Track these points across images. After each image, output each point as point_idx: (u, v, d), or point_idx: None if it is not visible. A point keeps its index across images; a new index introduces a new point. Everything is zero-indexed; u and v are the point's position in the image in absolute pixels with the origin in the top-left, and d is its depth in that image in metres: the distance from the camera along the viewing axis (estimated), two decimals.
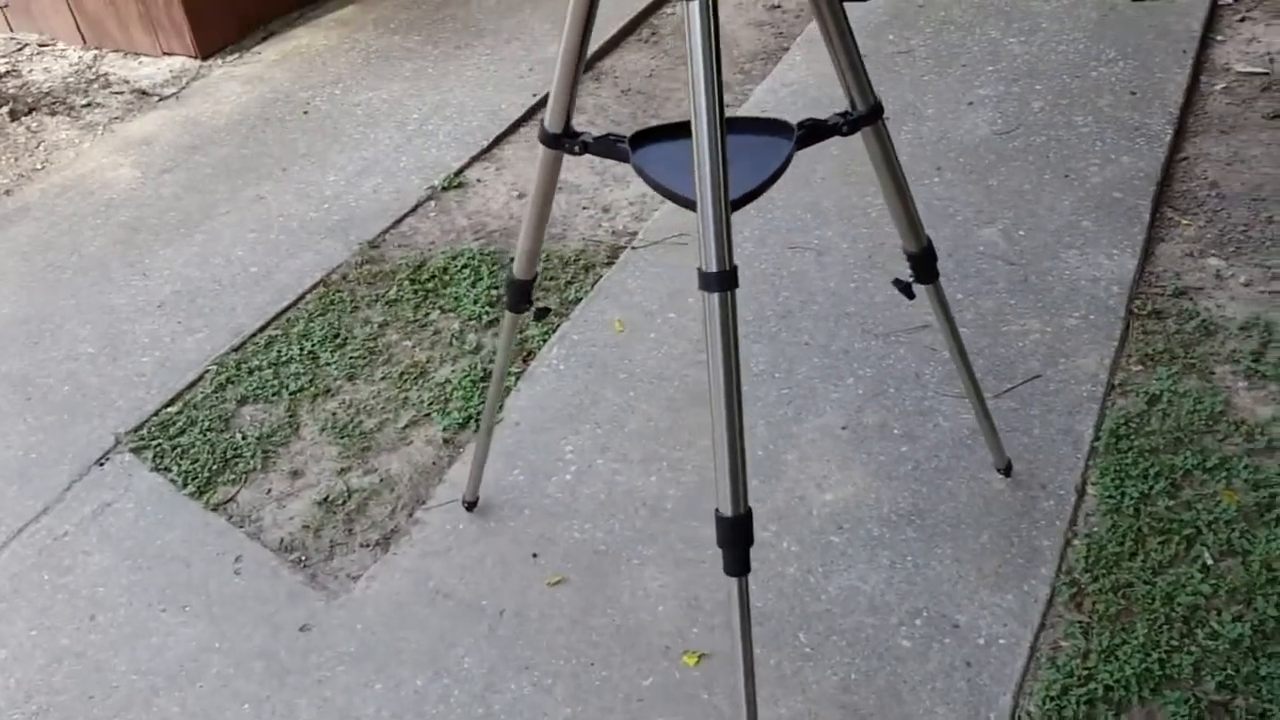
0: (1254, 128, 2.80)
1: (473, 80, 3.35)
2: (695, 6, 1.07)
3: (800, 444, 2.07)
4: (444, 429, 2.20)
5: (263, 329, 2.47)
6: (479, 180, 2.96)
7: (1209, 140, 2.78)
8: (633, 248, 2.63)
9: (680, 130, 1.37)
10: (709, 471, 2.03)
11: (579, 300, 2.49)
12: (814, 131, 1.35)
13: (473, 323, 2.47)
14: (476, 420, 2.21)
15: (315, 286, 2.59)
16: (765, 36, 3.52)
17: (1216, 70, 3.04)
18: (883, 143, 1.41)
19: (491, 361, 2.35)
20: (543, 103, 3.23)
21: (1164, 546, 1.81)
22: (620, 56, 3.50)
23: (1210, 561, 1.78)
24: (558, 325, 2.43)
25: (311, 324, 2.48)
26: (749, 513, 1.22)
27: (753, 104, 3.09)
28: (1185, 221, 2.52)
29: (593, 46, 3.44)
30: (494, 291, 2.54)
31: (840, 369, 2.21)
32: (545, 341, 2.39)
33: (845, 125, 1.36)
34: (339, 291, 2.58)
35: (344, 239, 2.74)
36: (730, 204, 1.19)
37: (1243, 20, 3.23)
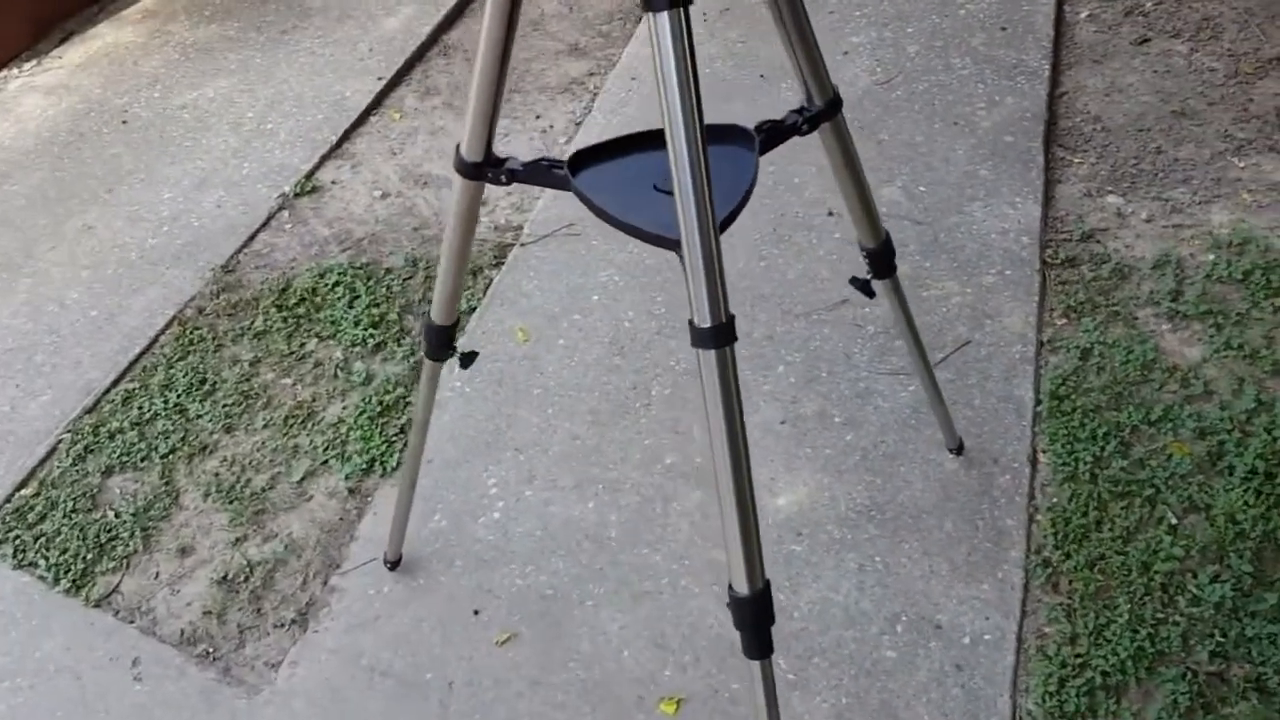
0: (1124, 54, 2.78)
1: (308, 68, 3.04)
2: (665, 20, 0.89)
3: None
4: (346, 478, 1.98)
5: (116, 383, 2.18)
6: (334, 182, 2.69)
7: (1084, 71, 2.75)
8: (521, 244, 2.42)
9: (624, 146, 1.19)
10: (649, 490, 1.89)
11: (473, 310, 2.29)
12: (773, 135, 1.20)
13: (357, 349, 2.23)
14: (382, 463, 2.00)
15: (169, 326, 2.30)
16: None
17: None
18: (842, 138, 1.26)
19: (388, 392, 2.13)
20: (393, 87, 2.99)
21: (1127, 511, 1.77)
22: (466, 27, 3.24)
23: (1175, 521, 1.75)
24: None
25: (172, 371, 2.20)
26: (768, 586, 1.08)
27: (622, 69, 2.90)
28: (1077, 160, 2.49)
29: (425, 25, 3.20)
30: (375, 310, 2.30)
31: (768, 357, 2.09)
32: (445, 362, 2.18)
33: (804, 123, 1.21)
34: (197, 329, 2.29)
35: (193, 266, 2.44)
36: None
37: None
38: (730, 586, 1.08)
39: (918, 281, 2.19)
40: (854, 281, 1.47)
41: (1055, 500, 1.81)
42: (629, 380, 2.09)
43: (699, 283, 0.97)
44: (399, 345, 2.23)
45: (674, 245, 1.05)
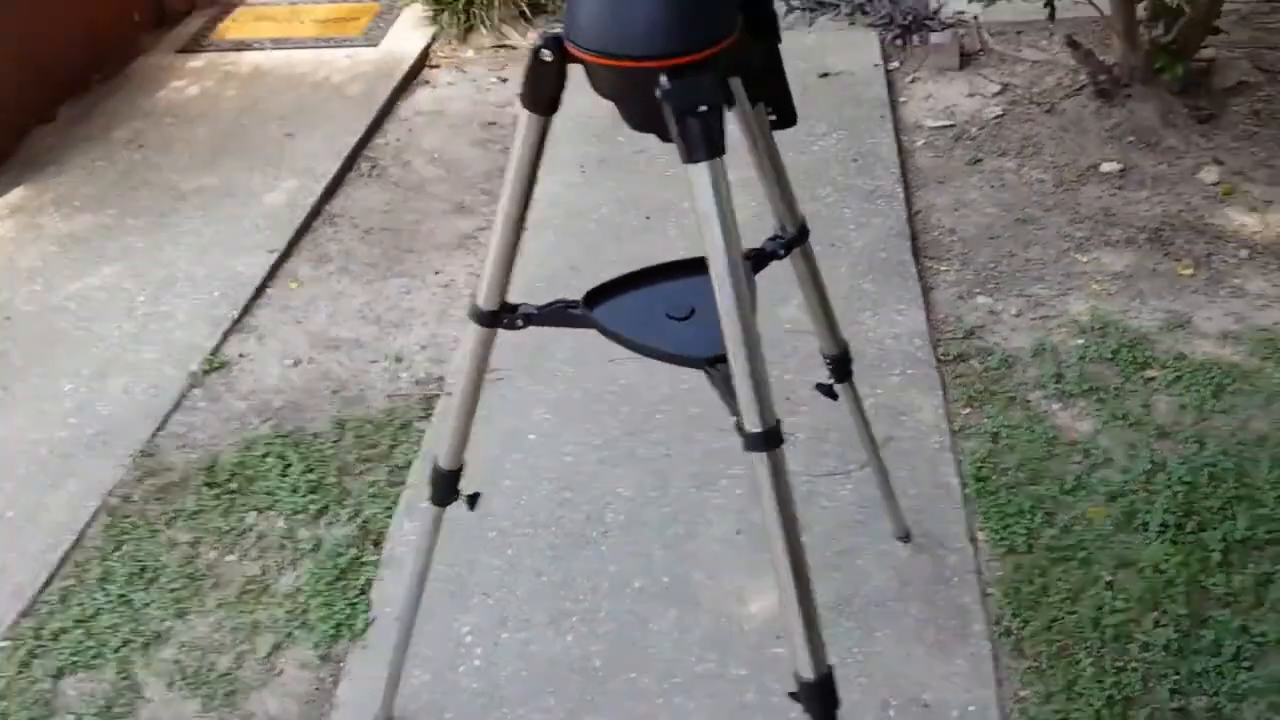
0: (962, 174, 3.12)
1: (195, 247, 3.05)
2: (704, 169, 1.02)
3: (703, 560, 2.03)
4: (314, 646, 1.95)
5: (49, 582, 2.08)
6: (242, 355, 2.68)
7: (931, 192, 3.06)
8: (446, 395, 2.48)
9: (631, 283, 1.30)
10: (624, 615, 1.94)
11: (409, 464, 2.31)
12: (759, 260, 1.34)
13: (300, 517, 2.21)
14: (349, 626, 1.97)
15: (96, 517, 2.22)
16: (493, 154, 3.47)
17: (911, 129, 3.36)
18: (809, 261, 1.42)
19: (341, 554, 2.11)
20: (285, 258, 3.03)
21: (1067, 575, 1.94)
22: (348, 195, 3.32)
23: (1110, 578, 1.92)
24: (398, 496, 2.24)
25: (109, 563, 2.12)
26: (831, 670, 1.16)
27: None
28: (944, 268, 2.75)
29: (315, 188, 3.27)
30: (311, 476, 2.30)
31: (711, 473, 2.20)
32: (391, 518, 2.19)
33: (781, 249, 1.36)
34: (127, 517, 2.22)
35: (109, 454, 2.38)
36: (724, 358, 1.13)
37: (914, 81, 3.60)
38: (796, 673, 1.16)
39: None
40: (819, 387, 1.60)
41: (1001, 573, 1.96)
42: (582, 512, 2.15)
43: (747, 392, 1.08)
44: (342, 508, 2.23)
45: (697, 363, 1.16)
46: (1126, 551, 1.96)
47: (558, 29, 1.07)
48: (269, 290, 2.92)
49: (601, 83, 1.04)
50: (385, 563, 2.09)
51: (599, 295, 1.30)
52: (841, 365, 1.59)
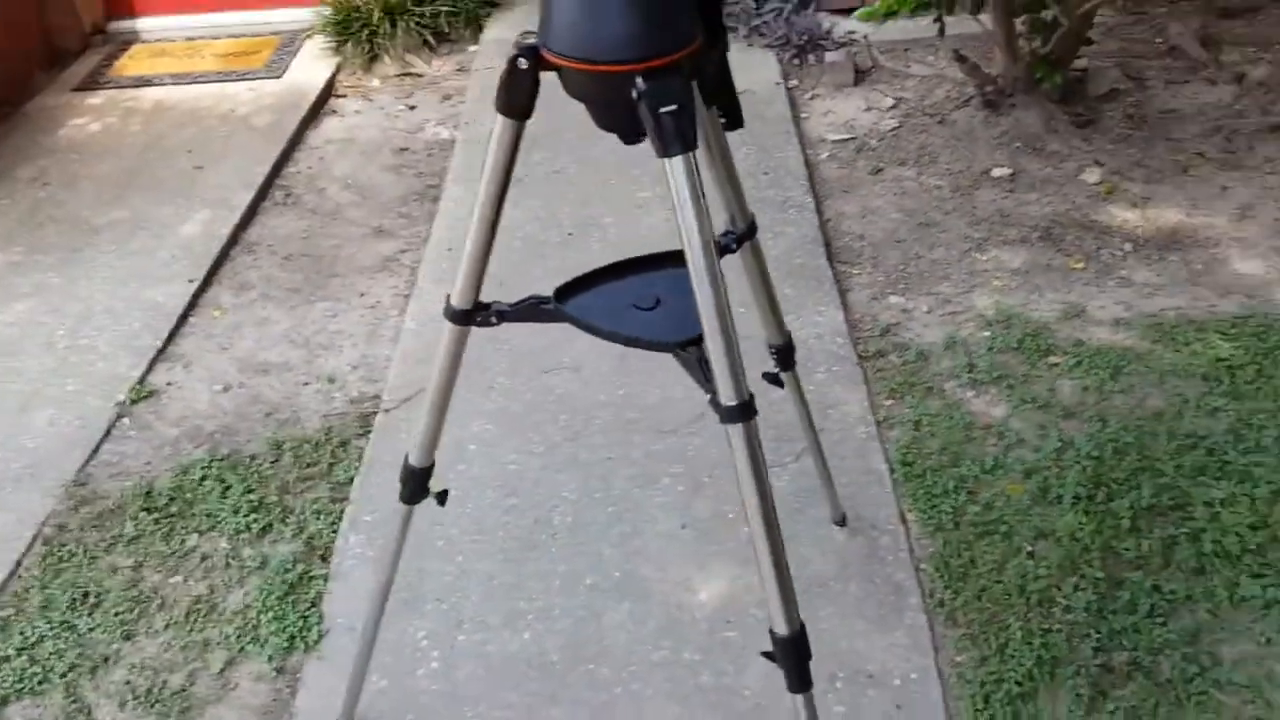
0: (866, 184, 3.27)
1: (111, 280, 3.01)
2: (679, 162, 1.10)
3: (651, 555, 2.10)
4: (269, 659, 1.95)
5: None
6: (169, 384, 2.66)
7: (839, 201, 3.20)
8: (384, 411, 2.50)
9: (594, 279, 1.37)
10: (579, 610, 1.99)
11: (351, 480, 2.33)
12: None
13: (243, 536, 2.21)
14: (303, 638, 1.98)
15: (31, 548, 2.19)
16: (407, 179, 3.51)
17: (815, 142, 3.51)
18: (758, 254, 1.51)
19: (289, 570, 2.12)
20: (205, 287, 3.01)
21: (991, 548, 2.06)
22: (263, 224, 3.31)
23: (1030, 548, 2.05)
24: (342, 511, 2.25)
25: (48, 590, 2.09)
26: (804, 627, 1.24)
27: (436, 242, 3.08)
28: (856, 271, 2.89)
29: (230, 217, 3.26)
30: (252, 496, 2.30)
31: (652, 473, 2.27)
32: (336, 533, 2.20)
33: (734, 243, 1.44)
34: (64, 546, 2.19)
35: (38, 486, 2.34)
36: (698, 339, 1.22)
37: (813, 98, 3.77)
38: (771, 631, 1.24)
39: (766, 388, 2.45)
40: (766, 376, 1.69)
41: (931, 550, 2.07)
42: (529, 517, 2.20)
43: (723, 369, 1.16)
44: (285, 525, 2.23)
45: (669, 348, 1.24)
46: (1044, 523, 2.10)
47: (532, 39, 1.14)
48: (191, 319, 2.90)
49: (576, 86, 1.11)
50: (334, 575, 2.11)
51: (568, 291, 1.36)
52: (786, 354, 1.68)
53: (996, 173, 3.24)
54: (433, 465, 1.53)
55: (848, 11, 4.17)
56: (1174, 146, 3.32)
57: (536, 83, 1.16)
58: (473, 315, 1.36)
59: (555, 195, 3.24)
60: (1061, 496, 2.14)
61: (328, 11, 4.17)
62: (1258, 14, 4.01)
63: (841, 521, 2.11)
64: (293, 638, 1.99)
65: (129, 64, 4.29)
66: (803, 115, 3.66)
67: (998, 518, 2.12)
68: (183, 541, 2.21)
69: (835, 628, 1.93)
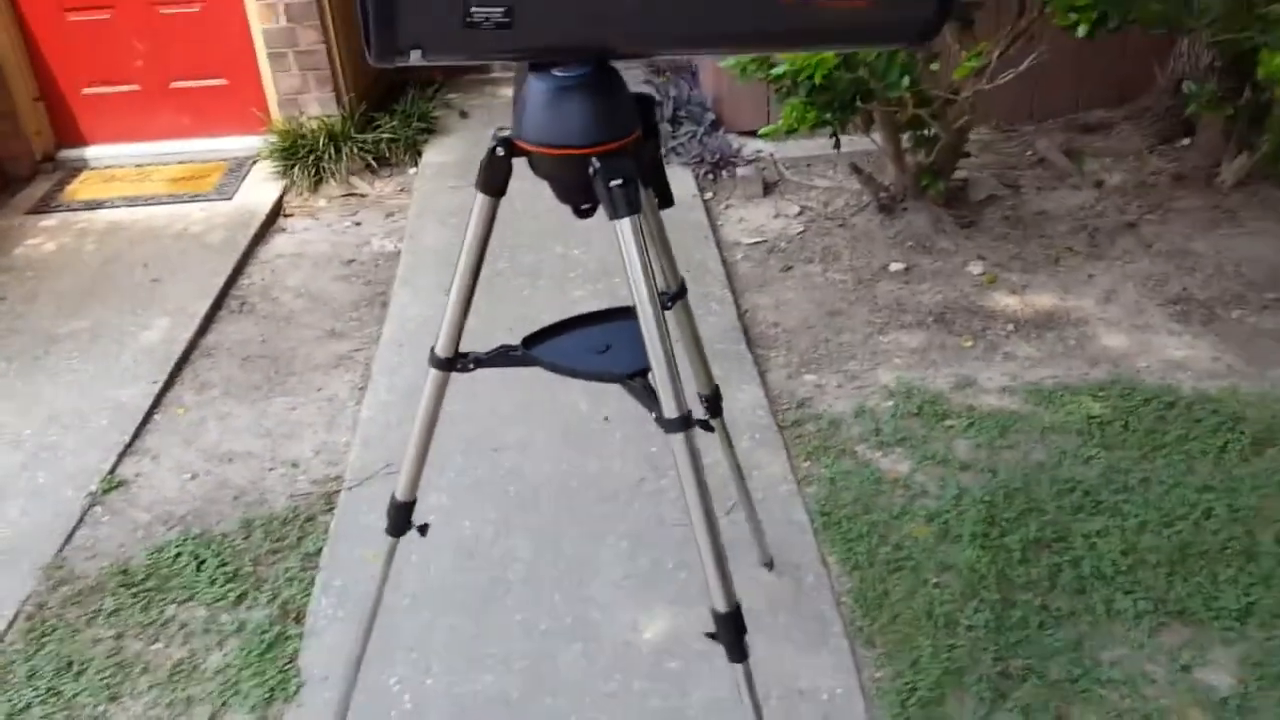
0: (778, 280, 3.62)
1: (76, 384, 3.18)
2: (627, 224, 1.38)
3: (599, 602, 2.31)
4: (251, 710, 2.11)
5: None
6: (138, 475, 2.83)
7: (754, 295, 3.54)
8: (347, 489, 2.70)
9: (556, 330, 1.64)
10: (536, 653, 2.19)
11: (319, 550, 2.51)
12: None
13: (220, 604, 2.37)
14: (283, 690, 2.15)
15: (13, 625, 2.32)
16: (356, 286, 3.77)
17: (731, 245, 3.87)
18: (688, 312, 1.80)
19: (266, 631, 2.29)
20: (168, 388, 3.20)
21: (901, 581, 2.33)
22: (221, 331, 3.53)
23: (935, 580, 2.32)
24: (313, 578, 2.43)
25: (33, 661, 2.22)
26: (739, 604, 1.48)
27: (389, 340, 3.32)
28: (774, 354, 3.20)
29: (189, 324, 3.47)
30: (226, 568, 2.47)
31: (599, 532, 2.50)
32: (309, 597, 2.38)
33: (668, 302, 1.73)
34: (45, 622, 2.33)
35: (17, 571, 2.48)
36: (644, 371, 1.49)
37: (728, 207, 4.15)
38: (712, 610, 1.48)
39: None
40: (698, 422, 1.96)
41: (850, 585, 2.33)
42: (486, 575, 2.41)
43: (666, 389, 1.42)
44: (260, 593, 2.40)
45: (620, 379, 1.51)
46: (946, 558, 2.37)
47: (506, 132, 1.43)
48: (156, 416, 3.08)
49: (544, 167, 1.39)
50: (308, 634, 2.28)
51: (533, 340, 1.63)
52: (714, 402, 1.96)
53: (893, 267, 3.62)
54: (415, 500, 1.75)
55: (753, 133, 4.60)
56: (1046, 242, 3.75)
57: (510, 166, 1.44)
58: (453, 362, 1.61)
59: (494, 295, 3.51)
60: (960, 535, 2.43)
61: (274, 139, 4.47)
62: (1112, 130, 4.55)
63: (770, 565, 2.36)
64: (272, 690, 2.15)
65: (80, 189, 4.51)
66: (719, 223, 4.03)
67: (906, 556, 2.39)
68: (161, 612, 2.37)
69: (769, 654, 2.16)
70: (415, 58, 1.17)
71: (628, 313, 1.65)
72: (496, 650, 2.21)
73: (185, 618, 2.35)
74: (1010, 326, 3.28)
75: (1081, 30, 3.12)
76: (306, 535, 2.57)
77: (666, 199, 1.61)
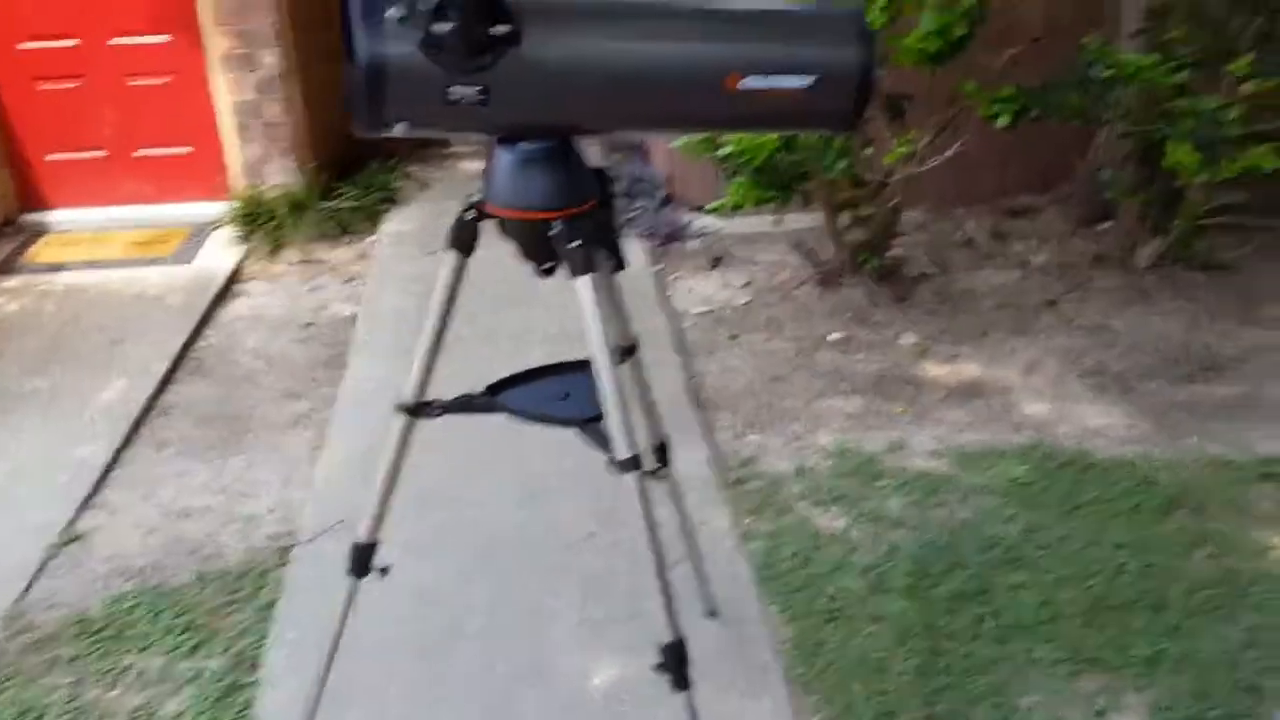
0: (725, 347, 3.79)
1: (35, 442, 3.23)
2: (584, 282, 1.53)
3: (554, 648, 2.41)
4: None
5: None
6: (97, 528, 2.88)
7: (702, 360, 3.70)
8: (301, 544, 2.78)
9: (520, 379, 1.78)
10: (494, 697, 2.28)
11: (274, 603, 2.58)
12: None
13: (176, 652, 2.43)
14: None
15: None
16: (315, 348, 3.87)
17: (680, 314, 4.04)
18: (639, 368, 1.94)
19: (221, 680, 2.35)
20: (127, 445, 3.27)
21: (837, 629, 2.46)
22: (178, 391, 3.60)
23: (870, 629, 2.45)
24: (267, 630, 2.50)
25: None
26: (683, 637, 1.61)
27: (346, 399, 3.42)
28: (720, 416, 3.35)
29: (147, 385, 3.54)
30: (183, 618, 2.53)
31: (552, 584, 2.60)
32: (262, 648, 2.44)
33: (621, 357, 1.87)
34: (5, 668, 2.37)
35: None
36: (598, 417, 1.63)
37: (677, 279, 4.33)
38: (659, 643, 1.60)
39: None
40: (649, 471, 2.09)
41: (789, 635, 2.45)
42: (444, 622, 2.49)
43: (619, 433, 1.56)
44: (215, 644, 2.46)
45: (577, 423, 1.64)
46: (878, 609, 2.51)
47: (477, 197, 1.57)
48: (114, 473, 3.14)
49: (511, 230, 1.54)
50: (263, 683, 2.34)
51: (496, 389, 1.76)
52: (663, 452, 2.09)
53: (832, 337, 3.80)
54: (377, 542, 1.85)
55: (702, 208, 4.81)
56: (973, 317, 3.97)
57: (478, 228, 1.59)
58: (420, 409, 1.73)
59: (454, 359, 3.63)
60: (892, 588, 2.57)
61: (236, 205, 4.59)
62: (1037, 214, 4.83)
63: (714, 614, 2.47)
64: None
65: (42, 252, 4.59)
66: (669, 293, 4.21)
67: (841, 607, 2.52)
68: (118, 660, 2.42)
69: (713, 699, 2.25)
70: (400, 130, 1.31)
71: (584, 365, 1.80)
72: (454, 695, 2.29)
73: (142, 666, 2.40)
74: (940, 394, 3.46)
75: (1003, 120, 3.38)
76: (261, 589, 2.64)
77: (620, 262, 1.76)
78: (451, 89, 1.28)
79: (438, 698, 2.28)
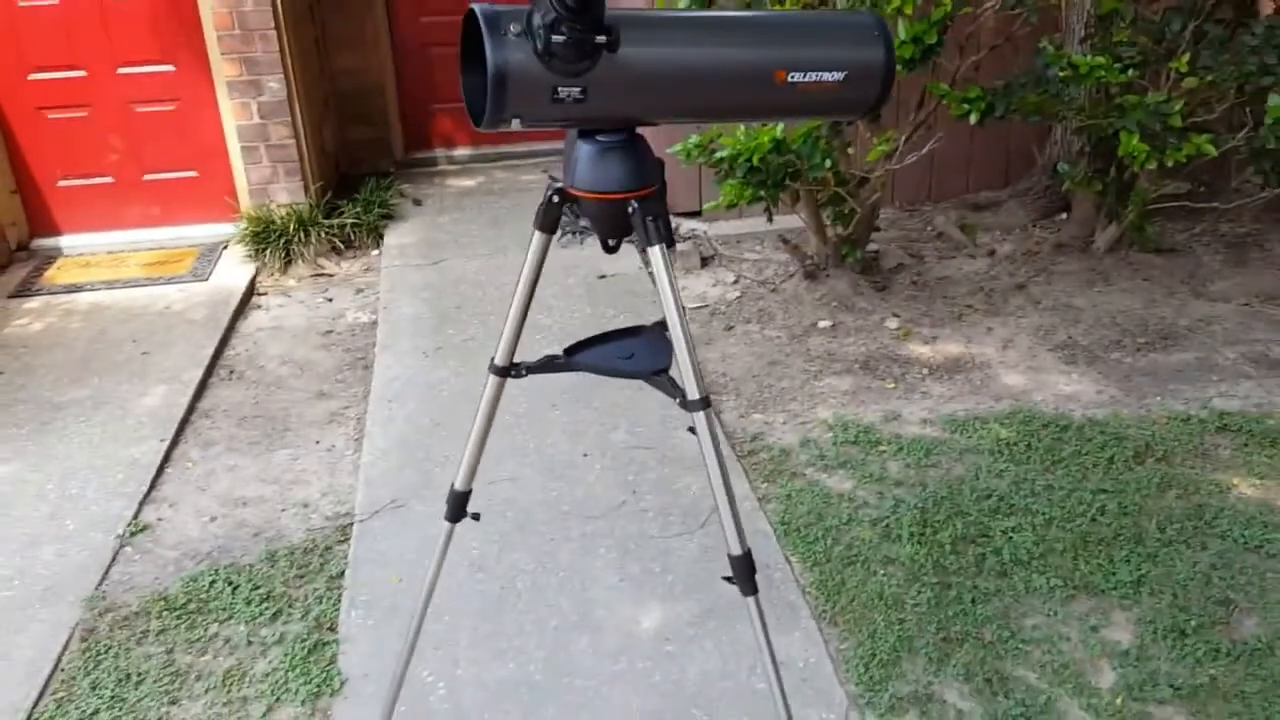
0: (722, 337, 4.08)
1: (87, 444, 3.44)
2: (657, 251, 1.80)
3: (600, 601, 2.66)
4: (303, 703, 2.40)
5: (40, 698, 2.40)
6: (160, 520, 3.10)
7: (702, 351, 3.98)
8: (360, 521, 3.02)
9: (589, 344, 2.04)
10: (551, 645, 2.53)
11: (342, 573, 2.82)
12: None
13: (258, 621, 2.66)
14: (328, 685, 2.44)
15: (67, 647, 2.56)
16: (338, 354, 4.10)
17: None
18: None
19: (304, 640, 2.58)
20: (174, 446, 3.48)
21: (854, 572, 2.74)
22: (215, 396, 3.82)
23: (883, 571, 2.74)
24: (340, 595, 2.73)
25: (92, 676, 2.47)
26: (749, 549, 1.88)
27: (376, 396, 3.66)
28: (725, 398, 3.63)
29: (185, 389, 3.75)
30: (260, 590, 2.75)
31: (591, 546, 2.86)
32: (339, 611, 2.68)
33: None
34: (99, 642, 2.58)
35: (62, 602, 2.72)
36: (663, 370, 1.90)
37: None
38: (729, 554, 1.87)
39: (669, 482, 3.12)
40: (690, 429, 2.35)
41: (811, 579, 2.73)
42: (496, 585, 2.74)
43: (690, 377, 1.83)
44: (293, 610, 2.70)
45: (647, 375, 1.91)
46: (890, 553, 2.80)
47: (560, 183, 1.84)
48: (168, 470, 3.35)
49: (590, 209, 1.80)
50: (344, 640, 2.58)
51: (572, 351, 2.01)
52: (707, 401, 2.36)
53: (821, 325, 4.11)
54: (471, 490, 2.10)
55: (687, 214, 5.11)
56: (949, 302, 4.29)
57: (562, 208, 1.85)
58: (509, 370, 1.98)
59: (470, 357, 3.89)
60: (900, 535, 2.86)
61: (246, 224, 4.81)
62: (1000, 207, 5.18)
63: None
64: (319, 686, 2.44)
65: (58, 274, 4.77)
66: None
67: (856, 553, 2.80)
68: (205, 630, 2.64)
69: (748, 635, 2.50)
70: (515, 125, 1.58)
71: (640, 330, 2.08)
72: (514, 644, 2.54)
73: (228, 634, 2.63)
74: (925, 371, 3.77)
75: (973, 118, 3.71)
76: (328, 562, 2.88)
77: (671, 239, 2.04)
78: (559, 89, 1.55)
79: (499, 650, 2.53)
